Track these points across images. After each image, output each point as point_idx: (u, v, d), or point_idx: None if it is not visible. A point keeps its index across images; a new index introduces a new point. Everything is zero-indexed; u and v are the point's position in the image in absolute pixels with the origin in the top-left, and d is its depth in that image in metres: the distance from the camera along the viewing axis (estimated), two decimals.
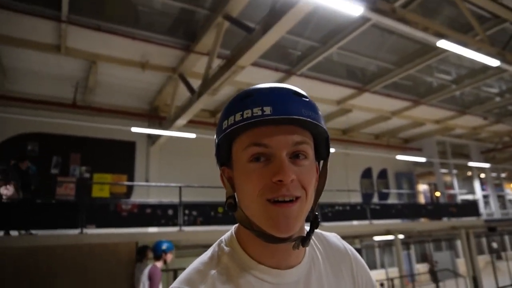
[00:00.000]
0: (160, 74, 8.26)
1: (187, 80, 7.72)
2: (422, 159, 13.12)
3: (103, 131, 8.33)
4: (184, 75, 7.78)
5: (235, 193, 0.66)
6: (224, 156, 0.68)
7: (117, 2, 6.26)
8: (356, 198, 12.51)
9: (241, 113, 0.61)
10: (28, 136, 7.96)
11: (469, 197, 15.85)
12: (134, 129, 8.01)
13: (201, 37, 6.79)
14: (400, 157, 12.56)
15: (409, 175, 15.18)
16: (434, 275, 12.95)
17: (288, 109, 0.60)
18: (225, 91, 8.68)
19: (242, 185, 0.63)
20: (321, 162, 0.73)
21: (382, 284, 10.51)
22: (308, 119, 0.61)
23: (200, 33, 6.82)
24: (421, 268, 15.08)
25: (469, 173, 16.64)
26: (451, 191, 15.12)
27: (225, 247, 0.69)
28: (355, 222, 9.91)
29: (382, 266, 13.89)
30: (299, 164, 0.61)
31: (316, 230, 0.81)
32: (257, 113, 0.60)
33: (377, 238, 11.73)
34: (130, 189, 8.97)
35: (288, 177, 0.58)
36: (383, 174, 14.48)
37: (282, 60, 8.37)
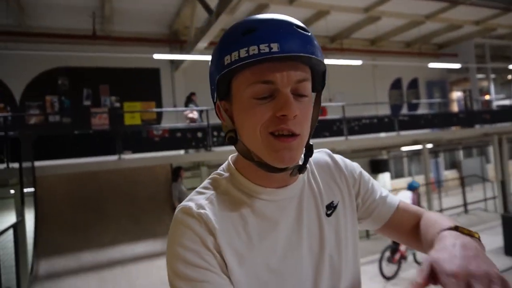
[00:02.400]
0: None
1: None
2: (457, 65, 12.37)
3: (126, 60, 8.39)
4: None
5: (235, 127, 0.69)
6: (222, 90, 0.68)
7: None
8: (385, 111, 12.33)
9: (246, 49, 0.60)
10: (57, 71, 8.21)
11: (507, 102, 15.15)
12: (156, 56, 8.00)
13: None
14: (432, 65, 11.89)
15: (441, 83, 14.52)
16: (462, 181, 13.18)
17: (294, 46, 0.60)
18: (244, 8, 8.27)
19: (245, 120, 0.65)
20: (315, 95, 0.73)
21: None
22: (313, 56, 0.62)
23: None
24: (450, 174, 15.31)
25: (509, 77, 15.65)
26: (487, 97, 14.46)
27: (224, 173, 0.74)
28: (382, 134, 9.96)
29: (410, 174, 14.23)
30: (299, 101, 0.63)
31: None
32: (264, 50, 0.59)
33: (405, 148, 11.83)
34: (159, 115, 9.32)
35: (292, 112, 0.60)
36: (413, 84, 13.92)
37: None
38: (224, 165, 0.77)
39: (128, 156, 6.44)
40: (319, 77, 0.70)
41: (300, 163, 0.71)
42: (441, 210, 10.14)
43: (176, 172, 6.67)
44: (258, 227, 0.69)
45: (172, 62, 9.47)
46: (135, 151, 6.60)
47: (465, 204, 10.51)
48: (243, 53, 0.60)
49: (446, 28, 12.22)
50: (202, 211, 0.66)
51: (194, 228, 0.64)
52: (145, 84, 9.19)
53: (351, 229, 0.79)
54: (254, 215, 0.69)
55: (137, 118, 8.76)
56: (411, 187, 6.80)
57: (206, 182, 0.74)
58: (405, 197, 7.30)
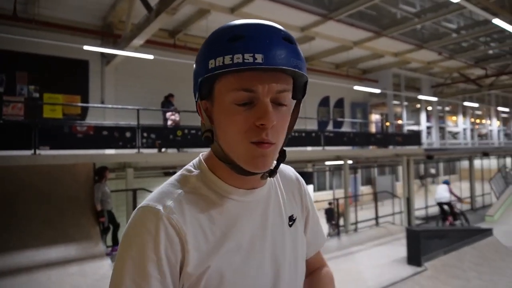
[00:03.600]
0: None
1: None
2: (378, 90, 13.65)
3: (51, 48, 7.67)
4: None
5: (213, 127, 0.69)
6: (204, 91, 0.68)
7: None
8: (313, 126, 13.03)
9: (231, 56, 0.60)
10: None
11: (415, 127, 17.07)
12: (87, 48, 7.47)
13: None
14: (357, 87, 12.95)
15: (363, 105, 15.85)
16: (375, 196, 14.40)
17: (278, 59, 0.61)
18: (185, 11, 8.18)
19: (224, 124, 0.66)
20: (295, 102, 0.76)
21: (330, 203, 11.56)
22: (296, 70, 0.63)
23: None
24: (365, 190, 16.65)
25: (418, 106, 17.70)
26: (400, 122, 16.15)
27: (193, 170, 0.74)
28: (309, 148, 10.48)
29: (331, 188, 15.15)
30: (278, 110, 0.65)
31: None
32: (248, 59, 0.59)
33: (328, 162, 12.60)
34: (84, 110, 8.66)
35: (270, 122, 0.62)
36: (340, 103, 14.98)
37: None
38: (194, 162, 0.77)
39: (45, 152, 5.87)
40: (300, 86, 0.73)
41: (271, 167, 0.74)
42: (356, 223, 10.94)
43: (100, 172, 6.25)
44: (224, 227, 0.70)
45: (103, 55, 8.92)
46: (53, 147, 6.03)
47: (376, 218, 11.51)
48: (227, 60, 0.61)
49: (370, 56, 13.43)
50: (172, 215, 0.65)
51: (159, 234, 0.63)
52: (71, 76, 8.47)
53: (301, 244, 0.85)
54: (222, 215, 0.71)
55: (59, 111, 8.02)
56: (447, 182, 10.44)
57: (173, 179, 0.73)
58: (444, 189, 10.23)
